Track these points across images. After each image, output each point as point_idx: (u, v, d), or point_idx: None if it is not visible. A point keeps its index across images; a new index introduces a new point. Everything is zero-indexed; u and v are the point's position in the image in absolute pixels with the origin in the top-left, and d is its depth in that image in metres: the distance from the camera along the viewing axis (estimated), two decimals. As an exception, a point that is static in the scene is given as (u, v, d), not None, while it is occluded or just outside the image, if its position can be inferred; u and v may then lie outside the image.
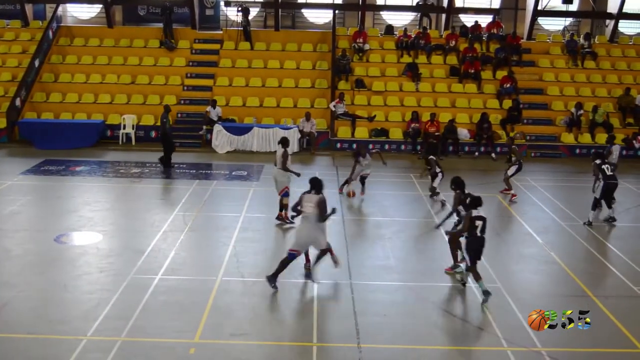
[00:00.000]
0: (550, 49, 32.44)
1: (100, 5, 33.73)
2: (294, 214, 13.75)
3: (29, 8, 33.03)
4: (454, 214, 14.69)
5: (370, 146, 27.04)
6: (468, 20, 34.67)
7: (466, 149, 27.38)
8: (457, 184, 14.44)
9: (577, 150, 27.76)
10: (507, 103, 28.81)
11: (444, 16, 34.05)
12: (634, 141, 27.20)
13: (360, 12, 33.83)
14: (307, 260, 13.61)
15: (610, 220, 17.85)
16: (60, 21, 32.91)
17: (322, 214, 12.70)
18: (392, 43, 31.96)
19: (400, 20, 36.62)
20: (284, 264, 12.82)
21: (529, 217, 18.48)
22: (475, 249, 12.74)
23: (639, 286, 13.67)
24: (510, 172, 20.09)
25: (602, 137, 27.75)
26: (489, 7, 36.83)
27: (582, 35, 32.93)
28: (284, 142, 17.11)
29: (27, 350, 10.42)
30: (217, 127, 26.49)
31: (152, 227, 16.58)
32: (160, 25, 31.94)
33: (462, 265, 13.58)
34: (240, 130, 26.75)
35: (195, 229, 16.56)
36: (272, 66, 30.65)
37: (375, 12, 36.96)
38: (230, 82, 29.89)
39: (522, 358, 10.65)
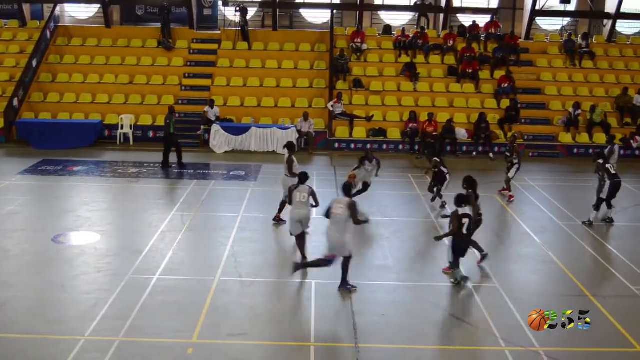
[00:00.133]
0: (548, 48, 32.48)
1: (98, 5, 33.69)
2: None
3: (26, 8, 32.98)
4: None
5: (368, 146, 27.16)
6: (466, 20, 34.66)
7: (464, 148, 27.39)
8: (470, 183, 14.46)
9: (575, 150, 27.79)
10: (505, 103, 28.83)
11: (442, 16, 34.08)
12: (632, 141, 27.22)
13: (358, 12, 33.85)
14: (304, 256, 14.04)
15: (608, 220, 17.86)
16: (57, 21, 32.90)
17: (354, 216, 12.64)
18: (390, 43, 31.97)
19: (398, 20, 36.66)
20: (318, 264, 12.88)
21: (526, 216, 18.50)
22: (463, 247, 13.10)
23: (636, 286, 13.68)
24: (511, 175, 20.00)
25: (599, 137, 27.83)
26: (486, 7, 36.85)
27: (579, 35, 32.97)
28: (290, 146, 17.05)
29: (25, 350, 10.41)
30: (215, 127, 26.48)
31: (150, 227, 16.57)
32: (158, 25, 31.95)
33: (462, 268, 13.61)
34: (238, 130, 26.74)
35: (193, 229, 16.55)
36: (270, 66, 30.64)
37: (373, 12, 36.97)
38: (228, 82, 29.88)
39: (520, 358, 10.66)
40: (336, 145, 27.40)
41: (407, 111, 28.11)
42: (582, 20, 37.57)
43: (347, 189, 13.07)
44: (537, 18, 34.83)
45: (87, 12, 36.28)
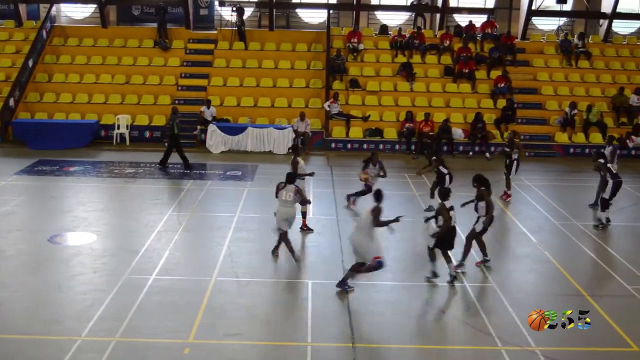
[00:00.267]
0: (544, 48, 32.51)
1: (94, 5, 33.68)
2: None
3: (22, 8, 32.94)
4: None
5: (365, 146, 27.19)
6: (462, 20, 34.69)
7: (460, 148, 27.40)
8: (480, 181, 14.48)
9: (571, 150, 27.83)
10: (502, 103, 28.86)
11: (438, 16, 34.09)
12: (628, 141, 27.25)
13: (354, 12, 33.82)
14: (277, 248, 14.60)
15: (606, 220, 17.87)
16: (54, 21, 32.85)
17: (377, 220, 12.59)
18: (386, 43, 31.98)
19: (394, 20, 36.68)
20: (368, 270, 12.71)
21: (523, 216, 18.52)
22: (450, 238, 13.34)
23: (632, 285, 13.71)
24: (512, 174, 19.87)
25: (596, 137, 27.88)
26: (483, 6, 36.89)
27: (576, 35, 33.02)
28: (294, 148, 17.12)
29: (21, 350, 10.40)
30: (212, 127, 26.46)
31: (146, 227, 16.55)
32: (155, 25, 31.94)
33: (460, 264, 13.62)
34: (234, 130, 26.72)
35: (189, 229, 16.54)
36: (266, 66, 30.63)
37: (370, 12, 36.99)
38: (224, 82, 29.87)
39: (516, 357, 10.68)
40: (333, 145, 27.39)
41: (403, 111, 28.12)
42: (579, 20, 37.63)
43: (378, 196, 12.89)
44: (533, 18, 34.86)
45: (83, 12, 36.24)
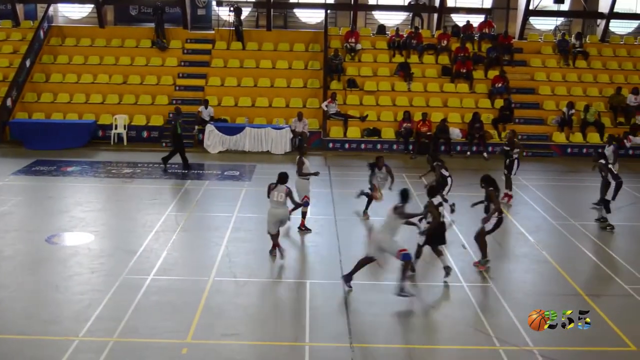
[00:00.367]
0: (541, 48, 32.53)
1: (92, 5, 33.62)
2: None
3: (19, 8, 32.90)
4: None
5: (363, 146, 27.19)
6: (460, 19, 34.72)
7: (458, 148, 27.40)
8: (488, 181, 14.49)
9: (569, 150, 27.84)
10: (499, 102, 28.86)
11: (435, 16, 34.07)
12: (625, 140, 27.27)
13: (352, 12, 33.82)
14: (274, 247, 14.61)
15: (603, 220, 17.89)
16: (51, 21, 32.79)
17: (403, 215, 12.59)
18: (384, 43, 31.97)
19: (392, 20, 36.62)
20: (405, 270, 12.58)
21: (520, 216, 18.52)
22: (440, 234, 13.54)
23: (630, 285, 13.72)
24: (513, 173, 19.81)
25: (593, 137, 27.91)
26: (480, 6, 36.87)
27: (573, 35, 33.05)
28: (300, 148, 17.08)
29: (19, 350, 10.39)
30: (209, 127, 26.44)
31: (144, 227, 16.54)
32: (152, 25, 31.87)
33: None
34: (232, 130, 26.72)
35: (187, 229, 16.53)
36: (264, 66, 30.63)
37: (367, 11, 36.95)
38: (222, 82, 29.85)
39: (514, 357, 10.68)
40: (330, 145, 27.39)
41: (401, 111, 28.13)
42: (576, 20, 37.62)
43: (404, 195, 12.81)
44: (530, 18, 34.87)
45: (80, 12, 36.16)
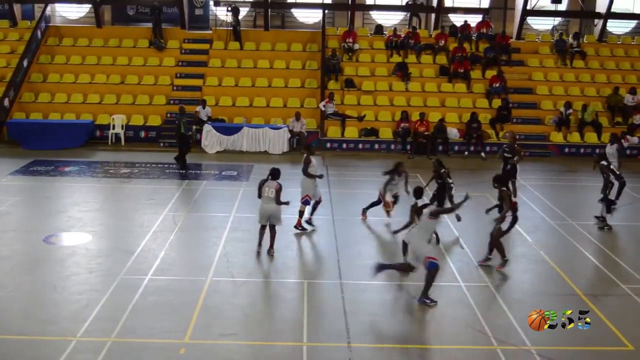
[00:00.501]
0: (539, 48, 32.57)
1: (89, 5, 33.58)
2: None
3: (17, 8, 32.87)
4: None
5: (360, 146, 27.21)
6: (457, 19, 34.70)
7: (456, 148, 27.41)
8: (500, 181, 14.57)
9: (566, 149, 27.87)
10: (497, 102, 28.89)
11: (433, 16, 34.11)
12: (623, 140, 27.25)
13: (349, 12, 33.85)
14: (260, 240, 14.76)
15: (602, 219, 17.91)
16: (48, 21, 32.77)
17: (440, 212, 12.79)
18: (381, 43, 32.00)
19: (389, 20, 36.67)
20: (431, 278, 12.49)
21: (518, 216, 18.47)
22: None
23: (628, 284, 13.73)
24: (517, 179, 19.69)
25: (591, 137, 27.95)
26: (478, 6, 36.89)
27: (571, 35, 33.08)
28: (307, 147, 16.96)
29: (16, 351, 10.36)
30: (207, 127, 26.44)
31: (141, 227, 16.54)
32: (150, 25, 31.90)
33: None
34: (229, 130, 26.72)
35: (185, 229, 16.53)
36: (261, 66, 30.62)
37: (365, 11, 36.97)
38: (219, 82, 29.85)
39: (512, 356, 10.69)
40: (328, 145, 27.39)
41: (398, 111, 28.15)
42: (573, 19, 37.68)
43: (418, 192, 13.06)
44: (528, 18, 34.91)
45: (78, 12, 36.12)
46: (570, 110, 28.26)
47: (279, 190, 14.43)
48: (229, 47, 31.54)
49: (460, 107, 29.11)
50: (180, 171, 22.64)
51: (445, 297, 12.90)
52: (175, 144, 24.08)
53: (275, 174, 14.63)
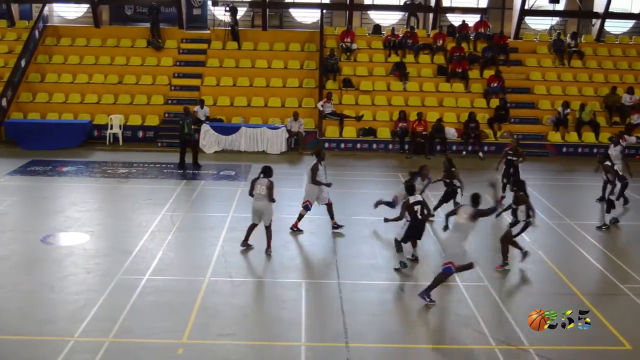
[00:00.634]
0: (537, 48, 32.59)
1: (87, 5, 33.60)
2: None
3: (15, 8, 32.87)
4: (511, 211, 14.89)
5: (358, 146, 27.20)
6: (455, 19, 34.72)
7: (454, 148, 27.40)
8: (519, 185, 14.80)
9: (564, 149, 27.90)
10: (495, 102, 28.91)
11: (431, 15, 34.10)
12: (620, 140, 27.25)
13: (347, 12, 33.84)
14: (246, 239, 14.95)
15: (614, 221, 17.89)
16: (46, 21, 32.76)
17: (481, 214, 12.58)
18: (379, 42, 32.01)
19: (387, 19, 36.70)
20: (439, 281, 12.47)
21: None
22: (418, 231, 14.06)
23: (625, 284, 13.74)
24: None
25: (588, 136, 27.99)
26: (476, 6, 36.93)
27: (568, 35, 33.12)
28: (317, 154, 16.75)
29: (14, 351, 10.35)
30: (205, 127, 26.42)
31: (139, 227, 16.52)
32: (148, 24, 31.89)
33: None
34: (227, 130, 26.71)
35: (182, 229, 16.51)
36: (259, 66, 30.61)
37: (363, 11, 37.01)
38: (217, 82, 29.84)
39: (509, 356, 10.69)
40: (326, 144, 27.35)
41: (396, 111, 28.16)
42: (571, 19, 37.74)
43: (475, 200, 12.73)
44: (526, 17, 34.94)
45: (76, 11, 36.11)
46: (568, 110, 28.29)
47: (270, 187, 14.49)
48: (227, 47, 31.53)
49: (458, 106, 29.12)
50: (194, 171, 22.80)
51: (444, 296, 12.90)
52: (174, 144, 24.03)
53: (267, 172, 14.71)
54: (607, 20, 33.96)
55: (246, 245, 14.92)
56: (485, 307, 12.44)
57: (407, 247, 14.44)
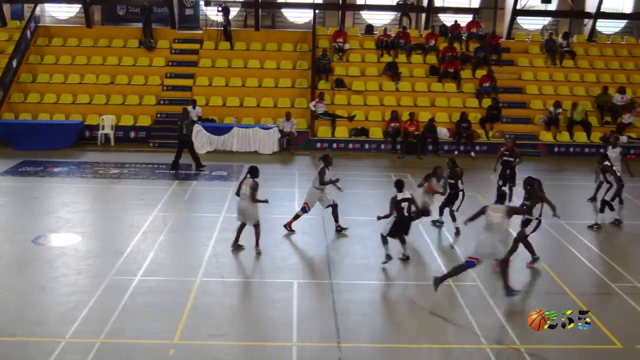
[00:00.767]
0: (529, 48, 32.67)
1: (79, 5, 33.53)
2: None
3: (6, 8, 32.79)
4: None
5: (350, 146, 27.21)
6: (448, 19, 34.77)
7: (445, 148, 27.43)
8: (533, 184, 14.91)
9: (556, 149, 27.97)
10: (487, 102, 28.96)
11: (423, 16, 34.16)
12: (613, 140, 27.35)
13: (340, 12, 33.86)
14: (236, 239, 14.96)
15: (617, 222, 17.95)
16: (38, 21, 32.68)
17: (516, 212, 12.96)
18: (372, 42, 32.03)
19: (380, 19, 36.74)
20: (457, 271, 12.77)
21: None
22: (404, 227, 14.25)
23: (617, 283, 13.78)
24: (515, 184, 19.53)
25: (580, 136, 28.06)
26: (468, 6, 37.00)
27: (560, 35, 33.19)
28: (324, 158, 16.61)
29: (5, 353, 10.32)
30: (197, 127, 26.36)
31: (131, 228, 16.49)
32: (140, 25, 31.85)
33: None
34: (220, 130, 26.68)
35: (174, 230, 16.49)
36: (252, 66, 30.60)
37: (355, 11, 37.04)
38: (210, 82, 29.81)
39: (501, 355, 10.71)
40: (318, 145, 27.37)
41: (389, 111, 28.19)
42: (563, 19, 37.85)
43: (502, 197, 13.13)
44: (518, 17, 35.03)
45: (67, 12, 36.05)
46: (560, 110, 28.36)
47: (253, 187, 14.52)
48: (220, 47, 31.51)
49: (450, 106, 29.16)
50: (198, 170, 22.84)
51: (435, 296, 12.90)
52: (166, 144, 23.98)
53: (253, 172, 14.76)
54: (598, 20, 34.08)
55: (237, 246, 14.91)
56: (477, 306, 12.44)
57: (397, 246, 14.46)
